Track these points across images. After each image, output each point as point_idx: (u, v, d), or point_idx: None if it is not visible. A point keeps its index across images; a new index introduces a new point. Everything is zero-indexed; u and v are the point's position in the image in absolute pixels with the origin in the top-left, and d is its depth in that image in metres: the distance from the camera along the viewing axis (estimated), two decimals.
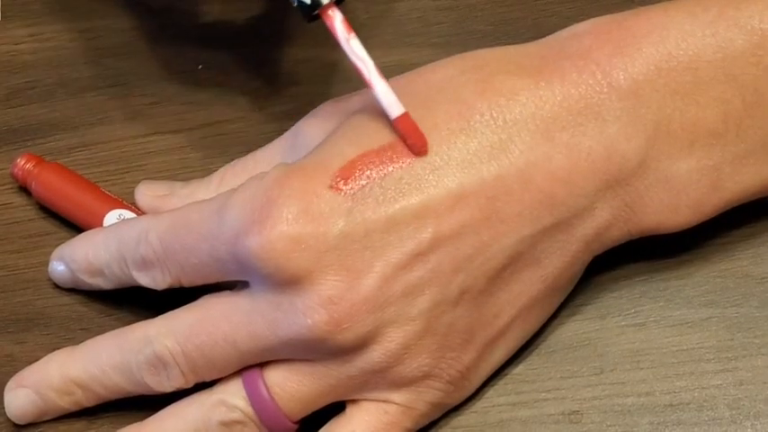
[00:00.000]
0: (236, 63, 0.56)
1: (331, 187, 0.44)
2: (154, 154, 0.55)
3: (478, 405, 0.48)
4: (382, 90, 0.45)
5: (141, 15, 0.58)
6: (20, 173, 0.53)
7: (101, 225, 0.51)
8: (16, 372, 0.49)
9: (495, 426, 0.48)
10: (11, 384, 0.49)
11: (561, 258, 0.46)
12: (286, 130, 0.53)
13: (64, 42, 0.57)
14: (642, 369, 0.48)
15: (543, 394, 0.48)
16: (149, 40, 0.57)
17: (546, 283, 0.46)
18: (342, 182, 0.44)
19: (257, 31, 0.57)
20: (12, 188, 0.54)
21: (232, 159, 0.53)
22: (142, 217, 0.50)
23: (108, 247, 0.49)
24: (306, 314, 0.44)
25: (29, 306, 0.52)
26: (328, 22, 0.46)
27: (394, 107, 0.45)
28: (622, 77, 0.45)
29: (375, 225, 0.44)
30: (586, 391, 0.48)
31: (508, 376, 0.48)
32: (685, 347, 0.48)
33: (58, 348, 0.49)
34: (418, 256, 0.44)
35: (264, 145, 0.51)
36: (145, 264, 0.47)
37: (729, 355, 0.48)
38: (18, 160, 0.53)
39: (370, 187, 0.44)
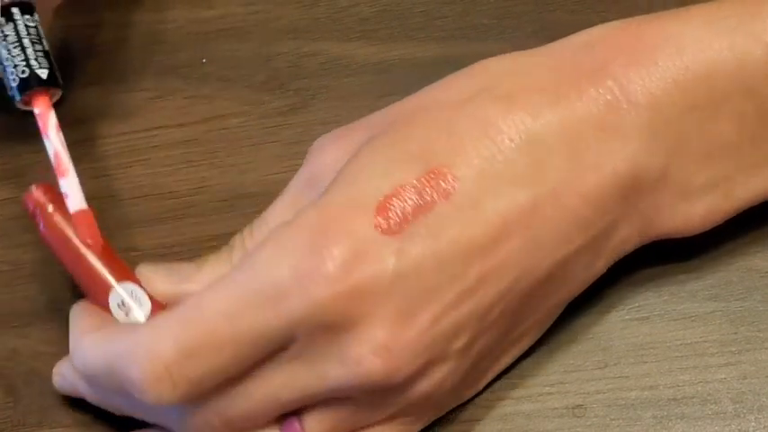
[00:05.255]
0: (240, 57, 0.56)
1: (376, 227, 0.42)
2: (157, 148, 0.55)
3: (482, 398, 0.48)
4: (72, 182, 0.45)
5: (144, 8, 0.58)
6: (30, 205, 0.48)
7: (106, 298, 0.47)
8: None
9: (498, 419, 0.48)
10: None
11: (585, 273, 0.46)
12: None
13: (67, 36, 0.57)
14: (646, 363, 0.48)
15: (547, 388, 0.48)
16: (152, 33, 0.57)
17: (569, 295, 0.46)
18: (386, 221, 0.42)
19: (261, 25, 0.57)
20: (14, 182, 0.54)
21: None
22: (136, 340, 0.43)
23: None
24: (360, 363, 0.42)
25: (32, 300, 0.52)
26: (42, 111, 0.46)
27: (77, 200, 0.45)
28: (640, 92, 0.44)
29: (425, 265, 0.42)
30: (590, 384, 0.48)
31: (512, 370, 0.48)
32: (689, 341, 0.48)
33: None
34: (466, 292, 0.43)
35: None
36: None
37: (733, 349, 0.48)
38: (33, 189, 0.48)
39: (415, 225, 0.43)
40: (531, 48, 0.54)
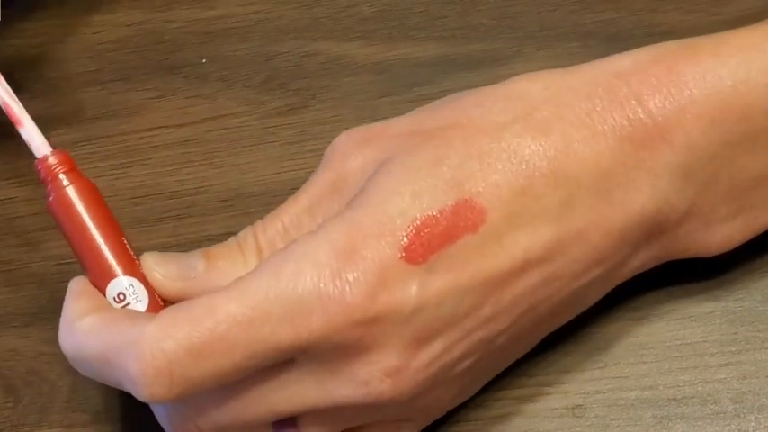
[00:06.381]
0: (240, 56, 0.56)
1: (402, 256, 0.42)
2: (158, 148, 0.55)
3: (481, 399, 0.48)
4: (31, 130, 0.44)
5: (144, 8, 0.58)
6: (42, 172, 0.45)
7: (104, 284, 0.45)
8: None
9: (498, 420, 0.48)
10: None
11: (596, 297, 0.46)
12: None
13: (68, 36, 0.57)
14: (645, 363, 0.48)
15: (546, 388, 0.48)
16: (152, 33, 0.57)
17: (575, 315, 0.47)
18: (412, 249, 0.42)
19: (261, 25, 0.57)
20: (15, 182, 0.54)
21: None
22: (141, 331, 0.41)
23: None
24: (369, 384, 0.42)
25: (33, 301, 0.52)
26: None
27: (41, 146, 0.44)
28: (675, 131, 0.43)
29: (445, 297, 0.42)
30: (589, 385, 0.48)
31: (512, 370, 0.48)
32: (689, 341, 0.48)
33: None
34: (481, 322, 0.43)
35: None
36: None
37: (733, 349, 0.48)
38: (47, 155, 0.45)
39: (440, 255, 0.42)
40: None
